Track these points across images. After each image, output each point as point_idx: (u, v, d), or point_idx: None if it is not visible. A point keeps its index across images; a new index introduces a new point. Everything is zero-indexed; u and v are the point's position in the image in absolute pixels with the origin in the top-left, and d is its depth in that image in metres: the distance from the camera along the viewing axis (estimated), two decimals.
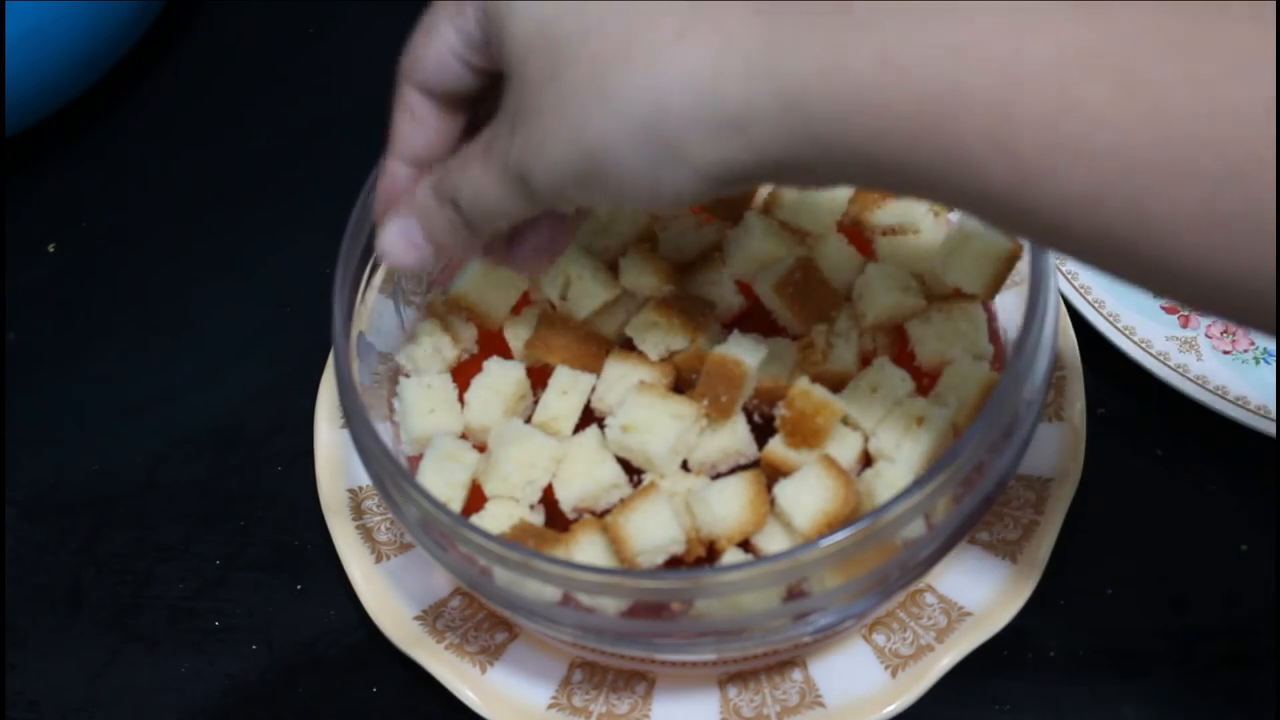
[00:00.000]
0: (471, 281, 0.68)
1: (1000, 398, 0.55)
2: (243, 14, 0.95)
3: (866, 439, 0.62)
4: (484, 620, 0.67)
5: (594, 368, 0.65)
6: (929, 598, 0.65)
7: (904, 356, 0.65)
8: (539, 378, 0.66)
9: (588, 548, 0.60)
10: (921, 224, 0.66)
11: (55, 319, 0.84)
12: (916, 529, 0.56)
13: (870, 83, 0.42)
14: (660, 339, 0.64)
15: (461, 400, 0.66)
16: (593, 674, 0.65)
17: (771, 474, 0.61)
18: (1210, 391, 0.69)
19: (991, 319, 0.66)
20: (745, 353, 0.62)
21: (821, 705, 0.63)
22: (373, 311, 0.67)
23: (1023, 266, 0.64)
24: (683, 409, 0.61)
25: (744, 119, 0.44)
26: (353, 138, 0.75)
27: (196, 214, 0.87)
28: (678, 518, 0.59)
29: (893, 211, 0.67)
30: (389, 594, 0.67)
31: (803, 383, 0.62)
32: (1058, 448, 0.67)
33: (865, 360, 0.64)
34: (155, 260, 0.85)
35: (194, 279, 0.84)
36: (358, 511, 0.69)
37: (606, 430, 0.62)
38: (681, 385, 0.65)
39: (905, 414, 0.61)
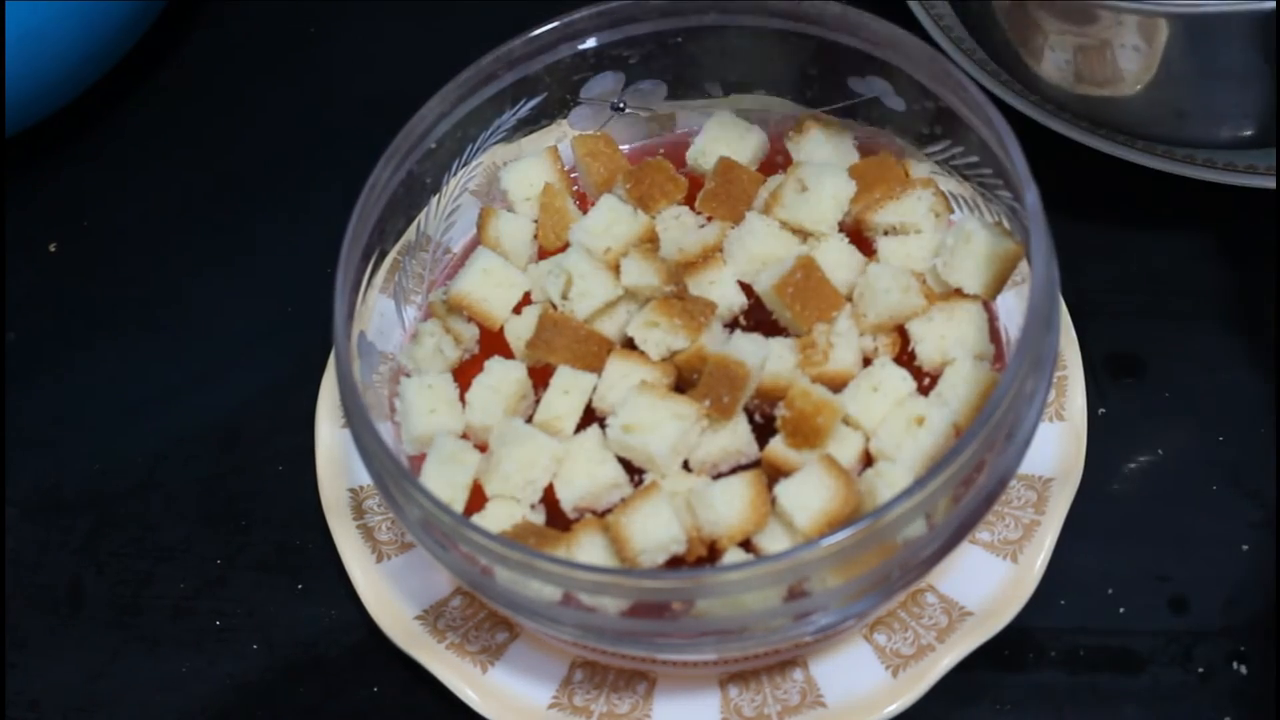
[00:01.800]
0: (472, 281, 0.68)
1: (1001, 398, 0.55)
2: (243, 14, 0.95)
3: (867, 439, 0.62)
4: (485, 620, 0.67)
5: (595, 367, 0.65)
6: (930, 597, 0.65)
7: (905, 357, 0.65)
8: (540, 377, 0.66)
9: (588, 547, 0.60)
10: (923, 224, 0.67)
11: (55, 319, 0.84)
12: (917, 529, 0.56)
13: None
14: (661, 339, 0.64)
15: (463, 400, 0.66)
16: (593, 674, 0.65)
17: (772, 474, 0.61)
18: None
19: (992, 319, 0.66)
20: (747, 353, 0.62)
21: (822, 705, 0.63)
22: (374, 311, 0.67)
23: (1023, 266, 0.64)
24: (684, 409, 0.62)
25: None
26: (353, 137, 0.75)
27: (197, 214, 0.87)
28: (679, 517, 0.60)
29: (894, 211, 0.67)
30: (390, 594, 0.67)
31: (803, 383, 0.62)
32: (1058, 448, 0.67)
33: (866, 360, 0.64)
34: (155, 260, 0.85)
35: (194, 279, 0.84)
36: (359, 511, 0.69)
37: (607, 430, 0.62)
38: (682, 385, 0.65)
39: (906, 414, 0.61)
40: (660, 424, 0.61)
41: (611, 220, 0.68)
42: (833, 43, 0.68)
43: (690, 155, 0.71)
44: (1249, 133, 0.72)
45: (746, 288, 0.67)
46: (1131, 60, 0.68)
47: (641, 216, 0.68)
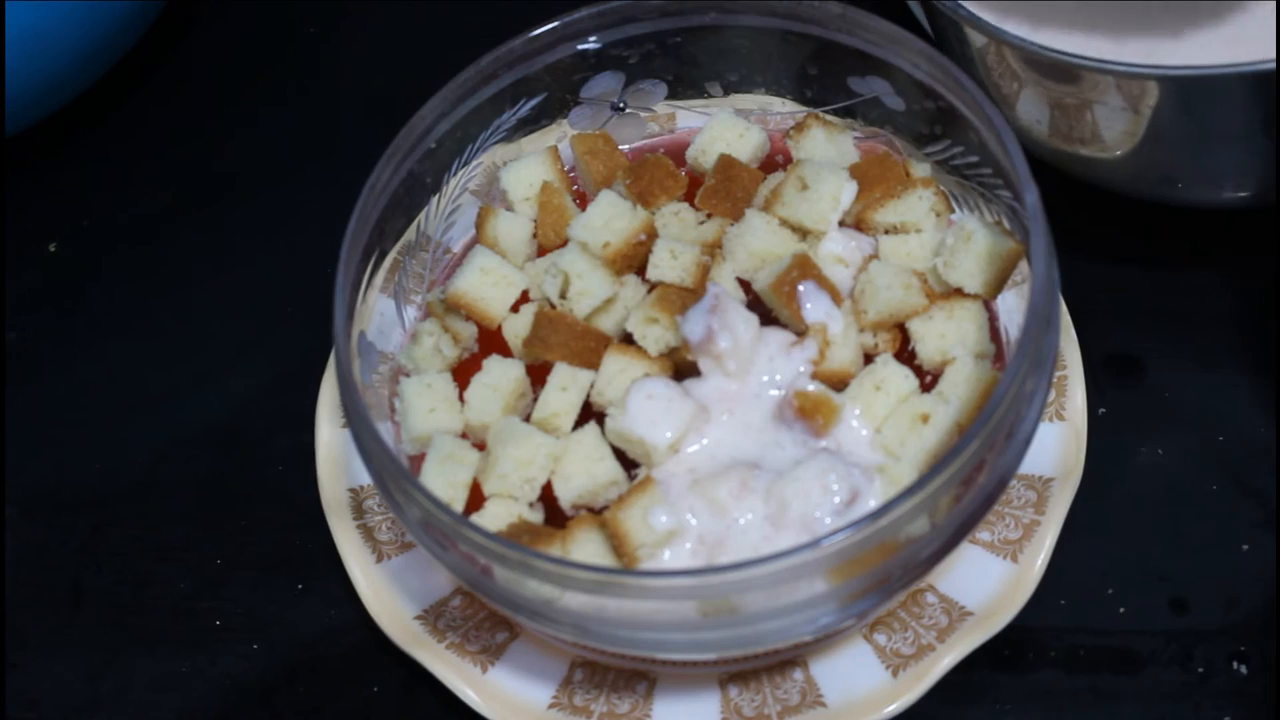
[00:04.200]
0: (470, 280, 0.68)
1: (1001, 397, 0.55)
2: (242, 14, 0.96)
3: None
4: (485, 620, 0.67)
5: (593, 364, 0.65)
6: (930, 597, 0.65)
7: (904, 355, 0.65)
8: (539, 375, 0.66)
9: (585, 544, 0.60)
10: (923, 223, 0.67)
11: (55, 319, 0.84)
12: (919, 527, 0.56)
13: None
14: (661, 335, 0.64)
15: (462, 399, 0.66)
16: (593, 674, 0.65)
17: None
18: None
19: (993, 318, 0.66)
20: None
21: (822, 705, 0.63)
22: (374, 311, 0.67)
23: (1023, 266, 0.64)
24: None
25: None
26: (353, 137, 0.76)
27: (197, 214, 0.87)
28: (674, 509, 0.60)
29: (895, 210, 0.67)
30: (390, 593, 0.67)
31: (805, 383, 0.62)
32: (1058, 447, 0.67)
33: (868, 358, 0.64)
34: (155, 260, 0.85)
35: (194, 279, 0.84)
36: (359, 511, 0.69)
37: (607, 420, 0.62)
38: (680, 380, 0.65)
39: (911, 411, 0.61)
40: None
41: (611, 215, 0.67)
42: (833, 43, 0.68)
43: (690, 154, 0.71)
44: (1245, 194, 0.70)
45: (745, 284, 0.67)
46: (1116, 122, 0.67)
47: (641, 212, 0.68)
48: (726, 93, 0.74)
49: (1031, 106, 0.69)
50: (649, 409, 0.62)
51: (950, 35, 0.69)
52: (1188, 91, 0.64)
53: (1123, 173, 0.71)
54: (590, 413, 0.64)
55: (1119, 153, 0.69)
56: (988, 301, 0.65)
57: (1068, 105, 0.67)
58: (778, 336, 0.64)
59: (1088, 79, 0.65)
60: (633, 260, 0.67)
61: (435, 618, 0.67)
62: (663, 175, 0.69)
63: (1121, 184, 0.73)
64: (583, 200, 0.72)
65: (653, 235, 0.68)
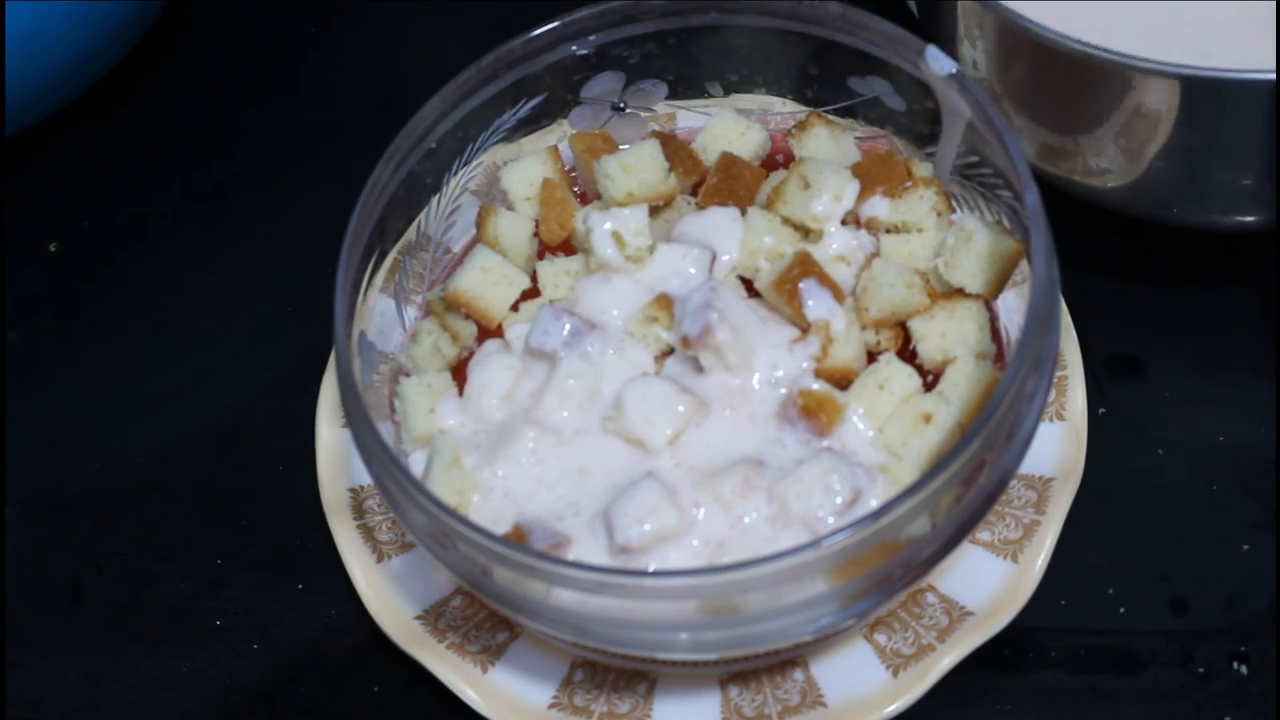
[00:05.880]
0: (471, 279, 0.68)
1: (1002, 396, 0.55)
2: (243, 14, 0.96)
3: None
4: (485, 620, 0.67)
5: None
6: (930, 597, 0.65)
7: (906, 354, 0.65)
8: None
9: None
10: (925, 223, 0.67)
11: (55, 319, 0.84)
12: (919, 527, 0.56)
13: None
14: (659, 334, 0.64)
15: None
16: (594, 673, 0.65)
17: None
18: None
19: (993, 318, 0.66)
20: None
21: (823, 705, 0.63)
22: (374, 311, 0.67)
23: (1024, 266, 0.64)
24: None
25: None
26: (354, 137, 0.76)
27: (197, 213, 0.87)
28: (670, 498, 0.60)
29: (896, 210, 0.67)
30: (390, 593, 0.67)
31: (808, 380, 0.62)
32: (1059, 447, 0.67)
33: (871, 356, 0.64)
34: (155, 260, 0.85)
35: (194, 278, 0.84)
36: (359, 511, 0.69)
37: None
38: None
39: (914, 410, 0.61)
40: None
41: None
42: (833, 43, 0.68)
43: None
44: (1244, 218, 0.70)
45: (747, 282, 0.67)
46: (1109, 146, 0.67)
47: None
48: (727, 93, 0.74)
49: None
50: (645, 408, 0.62)
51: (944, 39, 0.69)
52: (1190, 94, 0.64)
53: (1116, 196, 0.71)
54: None
55: (1120, 178, 0.70)
56: (988, 301, 0.65)
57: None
58: (780, 332, 0.64)
59: (1084, 79, 0.65)
60: None
61: (435, 618, 0.67)
62: (684, 154, 0.69)
63: (1116, 207, 0.73)
64: (584, 200, 0.72)
65: (669, 204, 0.68)
